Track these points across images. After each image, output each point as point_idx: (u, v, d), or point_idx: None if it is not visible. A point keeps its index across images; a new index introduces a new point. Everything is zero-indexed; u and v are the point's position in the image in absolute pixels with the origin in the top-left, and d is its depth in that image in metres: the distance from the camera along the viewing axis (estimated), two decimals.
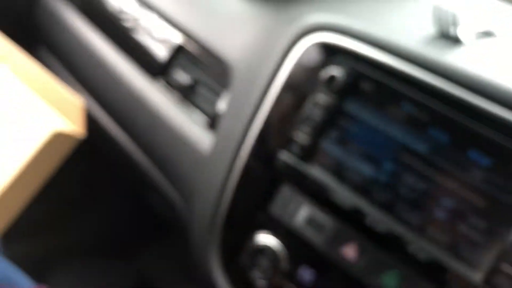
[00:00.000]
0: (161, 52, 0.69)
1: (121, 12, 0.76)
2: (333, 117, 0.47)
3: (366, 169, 0.45)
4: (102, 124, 0.76)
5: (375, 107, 0.45)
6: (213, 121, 0.60)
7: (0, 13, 0.88)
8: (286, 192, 0.48)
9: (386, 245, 0.43)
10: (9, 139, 0.50)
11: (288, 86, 0.50)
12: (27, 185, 0.46)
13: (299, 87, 0.49)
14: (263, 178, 0.50)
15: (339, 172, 0.46)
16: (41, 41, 0.94)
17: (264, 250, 0.49)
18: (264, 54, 0.55)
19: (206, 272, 0.54)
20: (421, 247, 0.41)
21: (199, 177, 0.58)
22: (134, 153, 0.71)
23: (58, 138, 0.44)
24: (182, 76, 0.65)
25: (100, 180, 1.22)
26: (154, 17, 0.72)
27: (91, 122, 0.79)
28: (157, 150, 0.65)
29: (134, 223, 1.28)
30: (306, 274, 0.47)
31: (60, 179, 1.14)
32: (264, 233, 0.49)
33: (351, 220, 0.45)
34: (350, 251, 0.45)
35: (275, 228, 0.49)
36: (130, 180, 1.02)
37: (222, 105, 0.60)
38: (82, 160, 1.18)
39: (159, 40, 0.70)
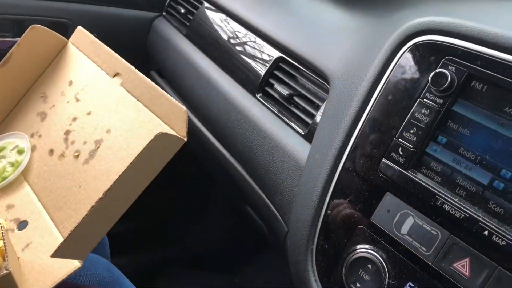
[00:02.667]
0: (260, 69, 0.70)
1: (224, 35, 0.80)
2: (442, 120, 0.43)
3: (481, 176, 0.41)
4: (202, 138, 0.79)
5: (490, 108, 0.41)
6: (310, 132, 0.59)
7: (121, 42, 0.97)
8: (389, 201, 0.45)
9: (510, 262, 0.38)
10: (118, 143, 0.54)
11: (392, 90, 0.47)
12: (134, 183, 0.48)
13: (403, 90, 0.46)
14: (363, 187, 0.48)
15: (449, 179, 0.42)
16: (154, 66, 1.02)
17: (365, 263, 0.46)
18: (365, 61, 0.53)
19: (303, 286, 0.52)
20: None
21: (296, 186, 0.57)
22: (231, 166, 0.72)
23: (162, 139, 0.46)
24: (280, 90, 0.65)
25: (205, 197, 1.27)
26: (253, 37, 0.74)
27: (193, 136, 0.82)
28: (254, 161, 0.65)
29: (236, 239, 1.30)
30: None
31: (167, 194, 1.22)
32: (365, 244, 0.46)
33: (465, 232, 0.40)
34: (463, 267, 0.40)
35: (377, 240, 0.46)
36: (232, 196, 1.04)
37: (319, 115, 0.59)
38: (188, 177, 1.24)
39: (258, 57, 0.72)
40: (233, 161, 0.72)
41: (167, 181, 1.11)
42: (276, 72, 0.68)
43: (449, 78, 0.43)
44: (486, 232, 0.39)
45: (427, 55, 0.46)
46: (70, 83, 0.65)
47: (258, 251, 1.31)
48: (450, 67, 0.43)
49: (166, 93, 0.54)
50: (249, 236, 1.25)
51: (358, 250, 0.47)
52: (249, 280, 1.23)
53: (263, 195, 0.65)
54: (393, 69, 0.48)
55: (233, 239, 1.31)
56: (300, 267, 0.52)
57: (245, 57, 0.74)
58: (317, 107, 0.61)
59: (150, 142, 0.46)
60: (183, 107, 0.51)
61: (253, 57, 0.72)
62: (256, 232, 0.81)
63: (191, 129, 0.82)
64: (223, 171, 0.76)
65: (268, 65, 0.69)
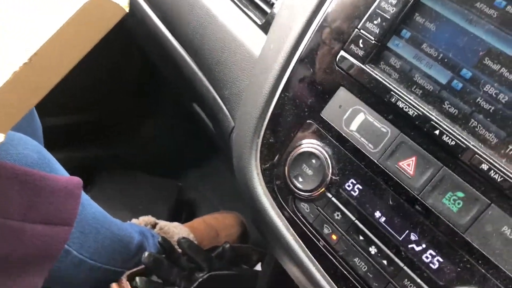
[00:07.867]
0: None
1: None
2: (408, 12, 0.40)
3: (440, 75, 0.39)
4: (150, 25, 0.73)
5: (461, 2, 0.38)
6: (268, 22, 0.54)
7: None
8: (342, 96, 0.43)
9: (456, 163, 0.37)
10: (47, 5, 0.47)
11: None
12: (64, 52, 0.43)
13: None
14: (317, 80, 0.45)
15: (407, 76, 0.40)
16: None
17: (310, 157, 0.44)
18: None
19: (246, 180, 0.50)
20: (501, 170, 0.35)
21: (247, 79, 0.53)
22: (180, 56, 0.67)
23: (98, 4, 0.40)
24: None
25: (153, 95, 1.22)
26: None
27: (140, 24, 0.75)
28: (205, 51, 0.61)
29: (183, 142, 1.28)
30: (354, 187, 0.42)
31: (114, 91, 1.15)
32: (311, 139, 0.44)
33: (415, 131, 0.39)
34: (408, 166, 0.39)
35: (324, 135, 0.44)
36: (179, 93, 0.99)
37: (279, 4, 0.54)
38: (134, 74, 1.17)
39: None
40: (182, 51, 0.67)
41: (114, 77, 1.04)
42: None
43: None
44: (437, 132, 0.37)
45: None
46: None
47: (205, 156, 1.29)
48: None
49: None
50: (197, 141, 1.22)
51: (304, 145, 0.45)
52: (193, 185, 1.22)
53: (211, 89, 0.61)
54: None
55: (180, 143, 1.28)
56: (243, 160, 0.50)
57: None
58: None
59: (84, 6, 0.40)
60: None
61: None
62: (204, 135, 0.79)
63: (139, 14, 0.75)
64: (171, 63, 0.71)
65: None
